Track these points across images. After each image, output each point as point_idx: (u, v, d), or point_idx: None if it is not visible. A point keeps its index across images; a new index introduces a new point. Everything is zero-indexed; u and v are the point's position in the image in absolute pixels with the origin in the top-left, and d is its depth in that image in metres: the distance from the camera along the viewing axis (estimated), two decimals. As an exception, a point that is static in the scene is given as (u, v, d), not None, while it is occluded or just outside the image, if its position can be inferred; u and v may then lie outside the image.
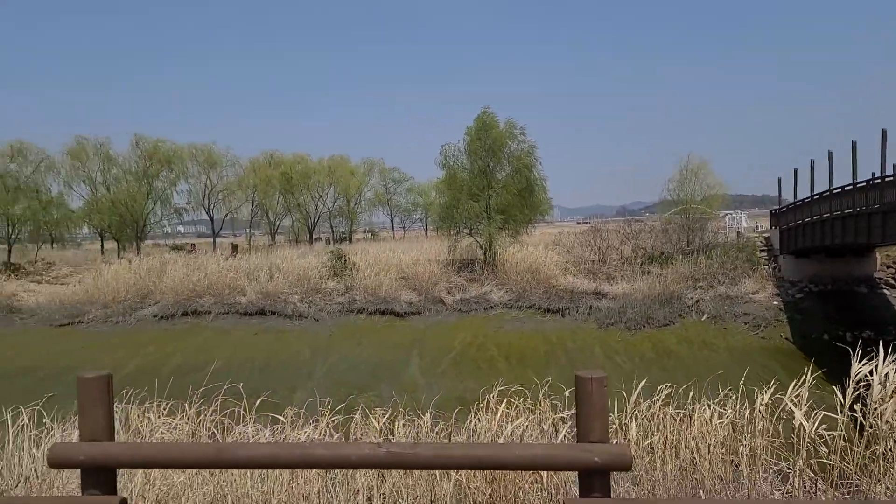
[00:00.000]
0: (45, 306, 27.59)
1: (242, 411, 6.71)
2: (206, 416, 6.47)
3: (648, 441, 5.52)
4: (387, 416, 6.26)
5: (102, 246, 45.88)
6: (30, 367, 21.24)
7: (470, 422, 6.05)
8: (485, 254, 29.72)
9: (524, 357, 20.53)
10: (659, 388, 6.07)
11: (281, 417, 6.39)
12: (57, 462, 3.23)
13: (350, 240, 54.21)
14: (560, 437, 5.64)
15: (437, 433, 6.09)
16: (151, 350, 22.45)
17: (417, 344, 22.34)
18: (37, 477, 5.13)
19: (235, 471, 4.94)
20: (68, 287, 30.18)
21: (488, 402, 6.18)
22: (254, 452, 3.30)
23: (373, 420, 6.07)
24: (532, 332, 23.14)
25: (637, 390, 6.02)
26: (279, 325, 24.98)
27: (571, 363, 19.91)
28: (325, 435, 6.13)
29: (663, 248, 30.34)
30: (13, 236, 38.39)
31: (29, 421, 6.18)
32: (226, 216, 51.82)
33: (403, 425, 6.21)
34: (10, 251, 38.01)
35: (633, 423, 5.66)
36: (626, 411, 5.86)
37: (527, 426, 5.75)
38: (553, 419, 5.94)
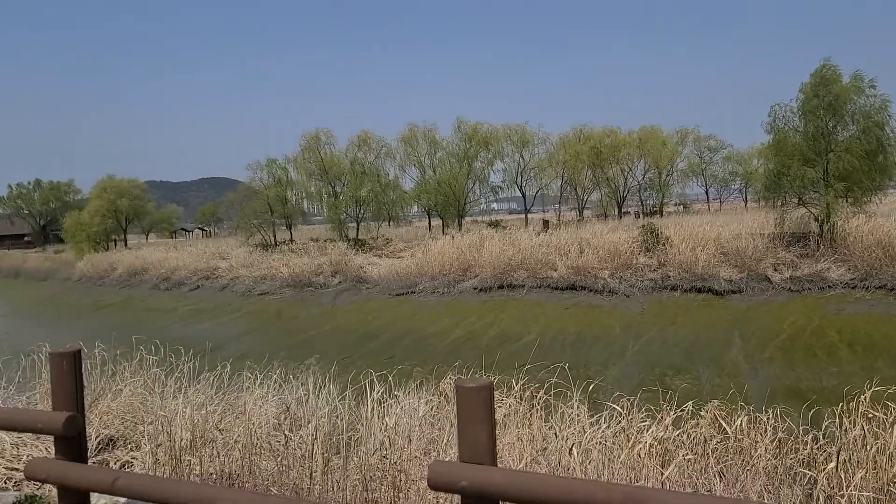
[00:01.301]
0: (385, 277, 31.27)
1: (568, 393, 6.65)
2: (532, 392, 6.55)
3: None
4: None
5: (429, 223, 50.69)
6: (376, 331, 24.40)
7: (827, 427, 5.23)
8: (821, 226, 26.21)
9: (873, 345, 17.74)
10: None
11: (617, 407, 6.11)
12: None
13: (661, 213, 52.25)
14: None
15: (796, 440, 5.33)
16: (473, 320, 24.19)
17: (738, 324, 20.69)
18: (389, 445, 5.44)
19: None
20: (403, 261, 33.80)
21: (858, 404, 5.28)
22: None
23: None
24: (883, 316, 19.89)
25: None
26: (589, 300, 25.08)
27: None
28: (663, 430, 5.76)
29: None
30: (360, 215, 44.37)
31: (378, 383, 6.75)
32: (536, 192, 53.52)
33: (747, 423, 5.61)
34: (357, 228, 44.05)
35: None
36: None
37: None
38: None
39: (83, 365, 8.44)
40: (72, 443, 2.50)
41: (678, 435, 5.77)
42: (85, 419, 2.48)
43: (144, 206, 65.08)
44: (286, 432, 5.85)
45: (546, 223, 44.68)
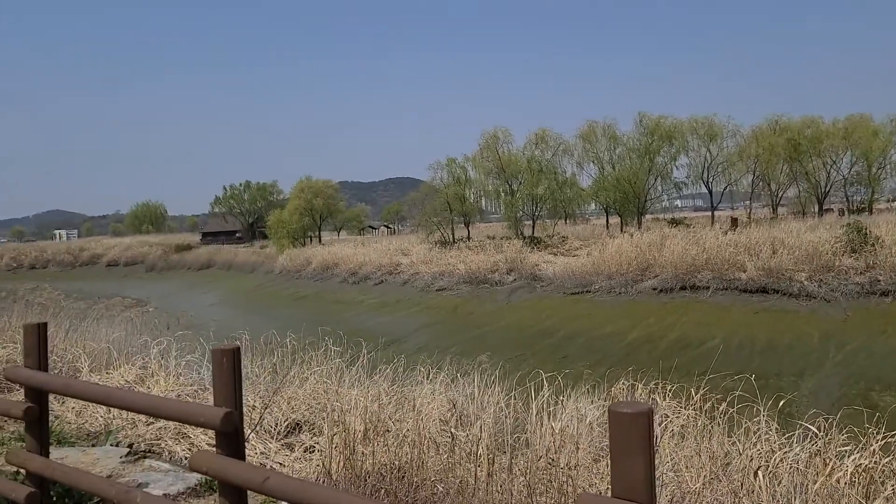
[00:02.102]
0: (560, 275, 30.90)
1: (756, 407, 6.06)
2: (714, 403, 6.06)
3: None
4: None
5: (607, 221, 49.36)
6: (549, 328, 24.17)
7: None
8: None
9: None
10: None
11: (812, 427, 5.47)
12: None
13: (870, 210, 46.77)
14: None
15: None
16: (651, 322, 23.18)
17: (967, 339, 18.01)
18: (556, 450, 5.27)
19: None
20: (578, 259, 33.22)
21: None
22: None
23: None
24: None
25: None
26: (782, 304, 23.06)
27: None
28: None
29: None
30: (536, 213, 44.26)
31: (547, 385, 6.58)
32: (724, 189, 50.17)
33: None
34: (533, 226, 43.98)
35: None
36: None
37: None
38: None
39: (278, 352, 9.06)
40: (229, 438, 2.65)
41: (887, 463, 5.05)
42: (243, 415, 2.59)
43: (337, 205, 69.44)
44: (453, 429, 5.87)
45: (734, 221, 41.79)
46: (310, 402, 7.90)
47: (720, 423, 5.87)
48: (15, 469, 4.27)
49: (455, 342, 23.06)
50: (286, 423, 7.28)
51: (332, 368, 8.59)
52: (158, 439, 6.75)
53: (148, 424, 7.22)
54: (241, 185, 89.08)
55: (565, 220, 48.97)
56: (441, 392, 7.18)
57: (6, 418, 6.90)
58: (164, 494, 3.90)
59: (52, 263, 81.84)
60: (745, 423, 5.82)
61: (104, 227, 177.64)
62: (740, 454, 5.29)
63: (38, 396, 3.73)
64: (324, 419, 7.10)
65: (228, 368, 2.56)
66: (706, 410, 6.04)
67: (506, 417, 6.24)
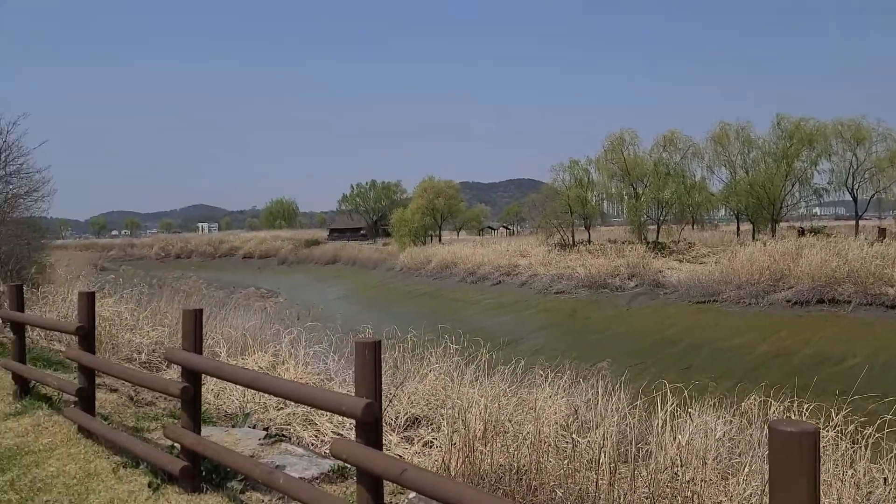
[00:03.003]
0: (685, 283, 29.75)
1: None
2: (857, 426, 5.66)
3: None
4: None
5: (738, 227, 46.94)
6: (672, 337, 23.35)
7: None
8: None
9: None
10: None
11: None
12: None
13: None
14: None
15: None
16: (783, 335, 21.87)
17: None
18: (681, 463, 5.11)
19: None
20: (705, 266, 31.85)
21: None
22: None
23: None
24: None
25: None
26: (938, 323, 21.06)
27: None
28: None
29: None
30: (661, 218, 42.82)
31: (672, 396, 6.37)
32: (871, 197, 46.33)
33: None
34: (658, 231, 42.59)
35: None
36: None
37: None
38: None
39: (399, 347, 9.33)
40: (369, 428, 2.74)
41: None
42: (381, 406, 2.70)
43: (457, 205, 70.33)
44: (573, 435, 5.84)
45: (882, 231, 38.58)
46: (429, 398, 8.07)
47: (864, 448, 5.49)
48: (170, 443, 4.68)
49: (572, 346, 22.74)
50: (405, 417, 7.48)
51: (450, 366, 8.73)
52: (287, 424, 7.14)
53: (278, 410, 7.65)
54: (367, 184, 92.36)
55: (692, 225, 46.99)
56: (561, 396, 7.14)
57: (161, 395, 7.56)
58: (300, 478, 4.14)
59: (195, 254, 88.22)
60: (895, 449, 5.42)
61: (241, 221, 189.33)
62: (888, 483, 4.93)
63: (193, 377, 4.08)
64: (442, 416, 7.24)
65: (370, 360, 2.69)
66: (849, 434, 5.66)
67: (628, 427, 6.13)
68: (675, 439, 5.47)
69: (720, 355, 20.92)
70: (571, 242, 45.14)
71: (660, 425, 5.88)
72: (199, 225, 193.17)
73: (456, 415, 6.45)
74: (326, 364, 10.00)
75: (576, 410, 6.43)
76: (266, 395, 7.98)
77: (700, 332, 23.63)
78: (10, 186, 25.75)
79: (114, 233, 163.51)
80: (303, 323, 12.14)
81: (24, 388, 6.40)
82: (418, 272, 49.50)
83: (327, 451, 6.34)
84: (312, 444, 6.65)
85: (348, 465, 4.86)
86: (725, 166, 45.59)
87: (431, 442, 6.91)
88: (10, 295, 6.65)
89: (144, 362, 10.50)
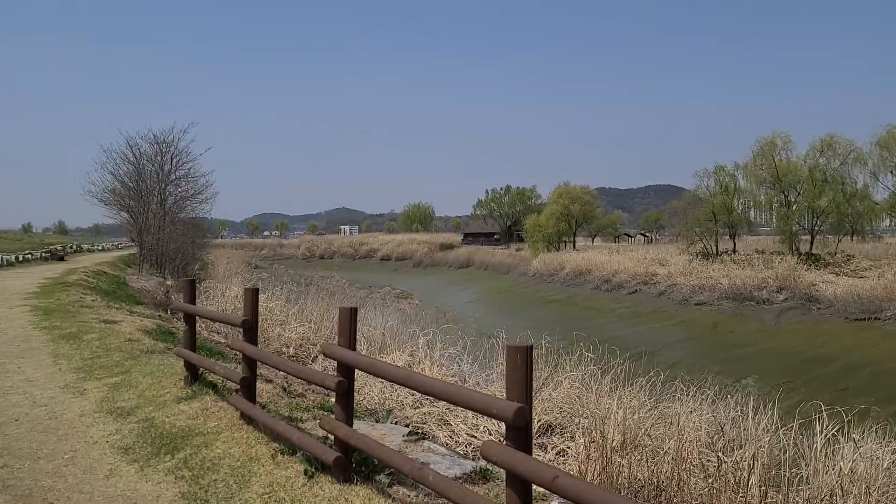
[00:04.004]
0: (842, 298, 27.55)
1: None
2: None
3: None
4: None
5: (906, 240, 42.79)
6: (825, 356, 21.72)
7: None
8: None
9: None
10: None
11: None
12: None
13: None
14: None
15: None
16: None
17: None
18: (841, 493, 4.85)
19: None
20: (866, 281, 29.35)
21: None
22: None
23: None
24: None
25: None
26: None
27: None
28: None
29: None
30: (816, 227, 39.87)
31: (827, 418, 5.98)
32: None
33: None
34: (811, 242, 39.68)
35: None
36: None
37: None
38: None
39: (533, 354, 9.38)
40: (519, 432, 2.78)
41: None
42: (532, 411, 2.75)
43: (593, 211, 69.19)
44: (718, 453, 5.63)
45: None
46: (562, 405, 8.03)
47: None
48: (324, 434, 5.00)
49: (714, 361, 21.69)
50: (539, 424, 7.48)
51: (585, 374, 8.64)
52: (423, 423, 7.35)
53: (414, 408, 7.90)
54: (501, 189, 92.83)
55: (851, 236, 43.37)
56: (705, 412, 6.89)
57: (309, 388, 8.06)
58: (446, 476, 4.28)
59: (338, 255, 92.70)
60: None
61: (380, 224, 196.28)
62: None
63: (347, 372, 4.34)
64: (576, 424, 7.19)
65: (522, 365, 2.75)
66: None
67: (780, 449, 5.82)
68: (834, 466, 5.14)
69: (883, 378, 19.18)
70: (715, 252, 43.14)
71: (817, 450, 5.55)
72: (342, 227, 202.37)
73: (593, 424, 6.40)
74: (460, 366, 10.18)
75: (721, 428, 6.18)
76: (402, 393, 8.28)
77: (859, 352, 21.79)
78: (179, 189, 28.43)
79: (265, 233, 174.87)
80: (439, 325, 12.44)
81: (193, 374, 7.04)
82: (551, 278, 49.15)
83: (465, 451, 6.50)
84: (447, 445, 6.80)
85: (490, 468, 4.96)
86: (893, 173, 41.72)
87: (565, 451, 6.88)
88: (184, 289, 7.33)
89: (292, 356, 11.17)
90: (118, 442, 5.65)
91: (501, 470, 4.93)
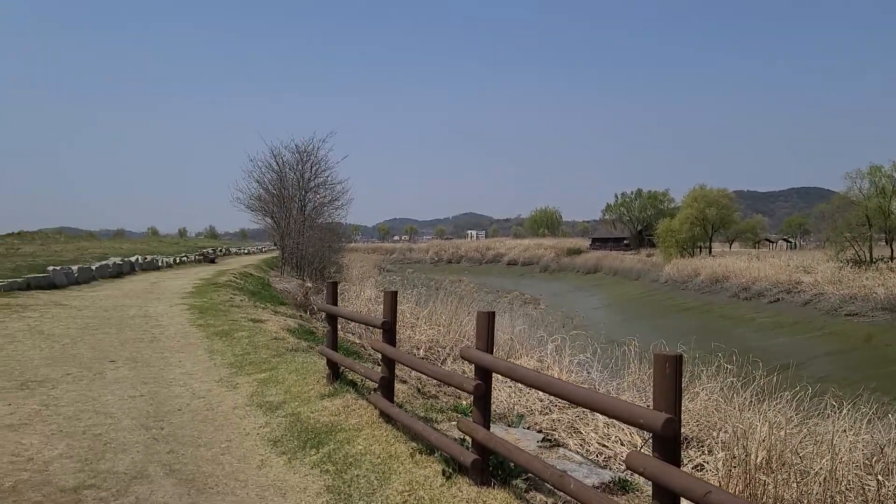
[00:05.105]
0: None
1: None
2: None
3: None
4: None
5: None
6: None
7: None
8: None
9: None
10: None
11: None
12: None
13: None
14: None
15: None
16: None
17: None
18: None
19: None
20: None
21: None
22: None
23: None
24: None
25: None
26: None
27: None
28: None
29: None
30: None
31: None
32: None
33: None
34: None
35: None
36: None
37: None
38: None
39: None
40: (667, 444, 2.72)
41: None
42: (681, 423, 2.68)
43: (731, 216, 66.01)
44: (878, 476, 5.24)
45: None
46: (699, 418, 7.75)
47: None
48: (460, 436, 5.12)
49: (868, 376, 19.99)
50: (676, 437, 7.23)
51: (725, 386, 8.29)
52: (552, 430, 7.32)
53: (542, 414, 7.87)
54: (632, 193, 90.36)
55: None
56: (861, 432, 6.42)
57: (442, 390, 8.26)
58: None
59: (464, 259, 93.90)
60: None
61: (507, 229, 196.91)
62: None
63: (485, 375, 4.43)
64: (714, 438, 6.91)
65: (670, 374, 2.70)
66: None
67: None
68: None
69: None
70: (868, 259, 39.84)
71: None
72: (469, 232, 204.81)
73: (733, 439, 6.14)
74: (589, 374, 10.04)
75: (881, 449, 5.74)
76: (531, 399, 8.28)
77: None
78: (318, 196, 29.99)
79: (395, 238, 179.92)
80: (567, 331, 12.33)
81: (335, 372, 7.40)
82: (684, 285, 47.31)
83: (596, 461, 6.42)
84: (578, 452, 6.74)
85: (629, 479, 4.88)
86: None
87: (702, 466, 6.63)
88: (327, 290, 7.73)
89: (423, 358, 11.45)
90: (268, 434, 6.05)
91: (641, 482, 4.85)
